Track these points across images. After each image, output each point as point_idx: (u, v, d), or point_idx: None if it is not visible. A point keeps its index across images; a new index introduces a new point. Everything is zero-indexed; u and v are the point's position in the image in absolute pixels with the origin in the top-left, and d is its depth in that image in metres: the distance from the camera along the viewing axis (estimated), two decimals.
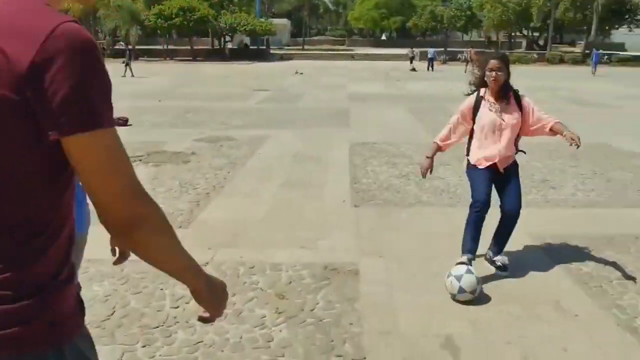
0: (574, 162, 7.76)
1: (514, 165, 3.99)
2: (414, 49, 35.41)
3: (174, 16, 42.15)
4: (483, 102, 3.90)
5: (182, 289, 3.68)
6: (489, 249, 4.07)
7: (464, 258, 3.77)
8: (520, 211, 3.91)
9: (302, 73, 27.99)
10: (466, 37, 66.03)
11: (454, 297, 3.54)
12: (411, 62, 33.56)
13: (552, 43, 50.60)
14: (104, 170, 0.98)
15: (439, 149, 4.16)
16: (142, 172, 6.95)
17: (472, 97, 3.97)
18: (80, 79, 0.92)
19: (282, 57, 45.90)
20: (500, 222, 3.99)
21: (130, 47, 33.76)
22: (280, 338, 3.08)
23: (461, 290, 3.48)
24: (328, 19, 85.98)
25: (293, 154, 8.22)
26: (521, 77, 29.02)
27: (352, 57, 47.49)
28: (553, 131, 3.78)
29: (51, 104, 0.91)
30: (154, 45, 50.03)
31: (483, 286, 3.64)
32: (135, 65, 31.27)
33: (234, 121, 11.63)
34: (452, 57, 41.86)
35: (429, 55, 34.11)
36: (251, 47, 49.17)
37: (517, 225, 3.98)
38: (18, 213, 0.99)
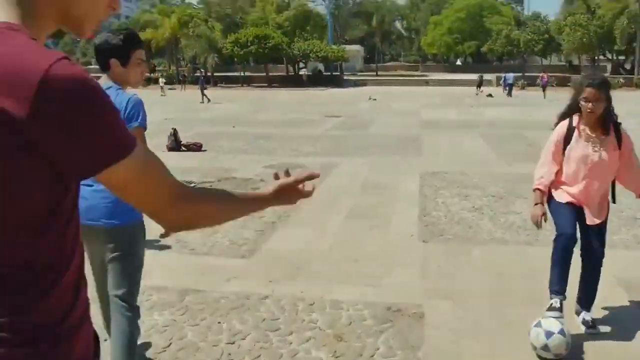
0: None
1: (605, 220, 3.46)
2: (482, 75, 35.00)
3: (249, 44, 43.57)
4: (576, 132, 3.36)
5: (240, 324, 3.59)
6: (576, 301, 3.61)
7: (555, 301, 3.30)
8: (604, 251, 3.47)
9: (375, 99, 27.93)
10: (545, 62, 63.81)
11: (534, 349, 3.18)
12: (479, 87, 32.87)
13: None
14: (145, 188, 1.01)
15: (544, 194, 3.49)
16: None
17: (564, 125, 3.42)
18: (91, 116, 0.86)
19: (356, 83, 46.17)
20: (582, 269, 3.52)
21: (204, 74, 35.06)
22: None
23: (546, 348, 3.10)
24: (401, 45, 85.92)
25: (361, 182, 8.07)
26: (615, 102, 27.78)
27: (426, 82, 46.99)
28: None
29: (72, 149, 0.86)
30: (231, 72, 51.86)
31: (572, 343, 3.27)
32: (213, 91, 32.49)
33: (305, 148, 11.65)
34: (531, 83, 40.44)
35: (509, 81, 33.05)
36: (325, 74, 49.83)
37: (603, 271, 3.59)
38: (14, 257, 0.89)
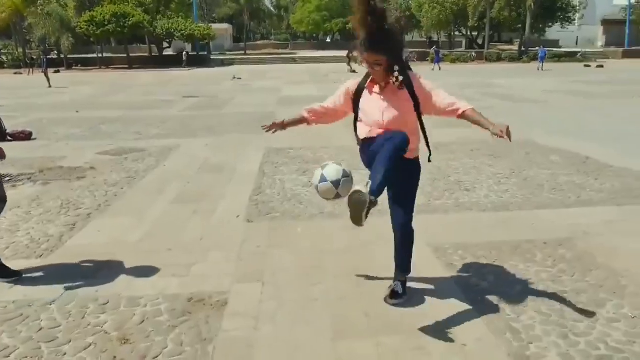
0: (493, 160, 7.49)
1: (415, 165, 3.26)
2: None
3: (106, 23, 40.61)
4: (366, 89, 3.20)
5: (9, 338, 3.07)
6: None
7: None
8: (413, 225, 3.35)
9: (240, 78, 27.35)
10: (408, 38, 66.66)
11: (316, 188, 3.18)
12: (349, 64, 33.48)
13: (490, 41, 51.77)
14: None
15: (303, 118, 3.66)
16: (24, 193, 6.24)
17: (352, 82, 3.27)
18: None
19: (224, 63, 45.00)
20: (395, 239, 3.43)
21: (47, 56, 32.13)
22: None
23: (323, 178, 3.10)
24: (271, 24, 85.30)
25: (200, 164, 7.63)
26: (458, 75, 29.59)
27: (295, 60, 47.08)
28: (470, 120, 3.06)
29: None
30: (90, 53, 48.21)
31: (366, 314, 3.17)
32: (68, 74, 29.93)
33: (151, 131, 10.92)
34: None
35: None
36: (191, 54, 47.99)
37: (418, 234, 3.52)
38: None
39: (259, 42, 75.10)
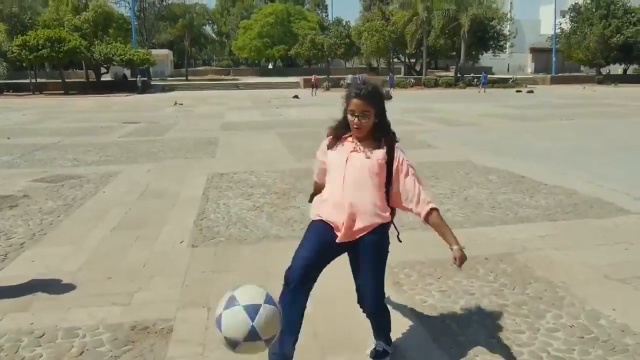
0: (434, 181, 7.69)
1: (378, 236, 2.67)
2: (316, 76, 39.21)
3: (40, 47, 39.30)
4: (343, 139, 2.76)
5: None
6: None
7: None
8: (382, 307, 2.85)
9: (181, 104, 27.04)
10: (349, 65, 68.09)
11: (218, 325, 2.13)
12: (314, 87, 35.92)
13: (428, 68, 53.51)
14: None
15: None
16: None
17: (325, 142, 2.82)
18: None
19: (164, 89, 44.36)
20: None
21: None
22: None
23: (231, 303, 2.12)
24: (213, 49, 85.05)
25: (141, 191, 7.43)
26: (398, 100, 30.33)
27: (237, 86, 47.06)
28: (435, 226, 2.68)
29: None
30: (23, 79, 46.41)
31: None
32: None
33: (89, 157, 10.57)
34: (335, 84, 42.76)
35: (312, 81, 36.10)
36: (130, 79, 47.08)
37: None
38: None
39: (200, 68, 74.64)
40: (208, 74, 65.33)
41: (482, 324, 3.39)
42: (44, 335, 3.33)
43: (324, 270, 2.75)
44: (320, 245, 2.66)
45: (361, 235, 2.64)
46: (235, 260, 4.62)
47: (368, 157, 2.64)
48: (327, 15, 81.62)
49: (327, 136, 2.81)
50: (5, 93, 41.18)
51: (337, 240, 2.65)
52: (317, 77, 40.88)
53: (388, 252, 2.78)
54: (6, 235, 5.48)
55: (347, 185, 2.62)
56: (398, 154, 2.69)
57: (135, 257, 4.73)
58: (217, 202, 6.65)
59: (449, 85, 45.37)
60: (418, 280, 4.13)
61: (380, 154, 2.65)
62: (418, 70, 55.70)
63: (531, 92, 37.36)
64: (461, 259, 2.58)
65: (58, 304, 3.77)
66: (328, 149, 2.78)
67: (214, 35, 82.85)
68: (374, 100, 2.62)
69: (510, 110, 21.71)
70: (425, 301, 3.76)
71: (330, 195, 2.70)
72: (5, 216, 6.24)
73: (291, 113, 21.13)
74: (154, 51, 53.48)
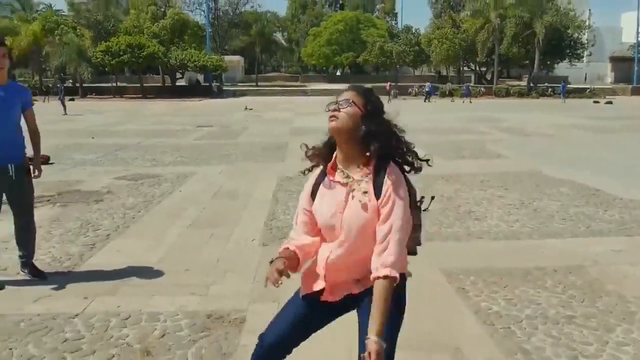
0: (503, 192, 7.60)
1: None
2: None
3: (122, 53, 41.53)
4: (326, 178, 2.10)
5: (35, 348, 3.19)
6: None
7: None
8: None
9: (251, 109, 27.76)
10: (417, 72, 67.53)
11: None
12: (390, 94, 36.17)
13: (499, 77, 52.29)
14: None
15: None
16: (45, 214, 6.39)
17: (313, 175, 2.20)
18: None
19: (235, 94, 45.71)
20: None
21: (64, 84, 32.85)
22: None
23: None
24: (282, 56, 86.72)
25: (215, 191, 7.79)
26: (467, 109, 29.72)
27: (305, 92, 47.75)
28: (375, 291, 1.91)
29: None
30: (105, 82, 49.16)
31: None
32: (83, 102, 30.51)
33: (166, 158, 11.14)
34: (403, 92, 42.60)
35: (387, 88, 38.01)
36: (203, 84, 48.82)
37: (428, 261, 3.64)
38: None
39: (270, 74, 76.24)
40: (277, 80, 66.63)
41: (548, 333, 3.39)
42: (129, 317, 3.62)
43: None
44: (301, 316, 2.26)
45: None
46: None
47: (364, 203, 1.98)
48: (396, 23, 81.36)
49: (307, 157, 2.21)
50: (88, 96, 43.74)
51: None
52: (392, 83, 41.04)
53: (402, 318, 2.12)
54: (93, 226, 5.93)
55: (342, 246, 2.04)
56: (388, 182, 1.98)
57: (210, 252, 5.01)
58: (287, 204, 6.88)
59: (521, 94, 44.13)
60: (484, 287, 4.15)
61: (372, 195, 1.98)
62: (489, 79, 54.50)
63: (610, 103, 35.75)
64: (377, 356, 1.79)
65: (142, 291, 4.08)
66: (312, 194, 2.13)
67: (283, 42, 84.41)
68: (366, 98, 2.04)
69: (585, 121, 20.90)
70: (491, 308, 3.78)
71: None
72: (92, 209, 6.73)
73: None
74: (226, 57, 55.16)
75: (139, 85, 45.67)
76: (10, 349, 3.22)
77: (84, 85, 44.70)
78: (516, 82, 55.91)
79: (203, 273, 4.45)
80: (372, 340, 1.81)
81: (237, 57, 65.48)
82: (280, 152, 11.81)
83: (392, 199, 1.96)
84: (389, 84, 40.39)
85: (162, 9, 52.74)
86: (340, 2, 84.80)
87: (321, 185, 2.11)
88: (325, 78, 69.64)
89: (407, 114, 24.54)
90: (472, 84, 53.04)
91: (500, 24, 46.48)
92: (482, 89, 45.89)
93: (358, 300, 2.09)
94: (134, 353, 3.15)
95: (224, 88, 48.45)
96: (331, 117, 2.00)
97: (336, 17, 68.17)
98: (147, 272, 4.46)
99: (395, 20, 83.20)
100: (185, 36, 51.93)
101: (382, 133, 2.01)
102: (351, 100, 2.01)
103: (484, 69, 57.17)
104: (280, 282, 1.95)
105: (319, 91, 47.93)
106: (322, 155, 2.14)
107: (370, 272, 1.95)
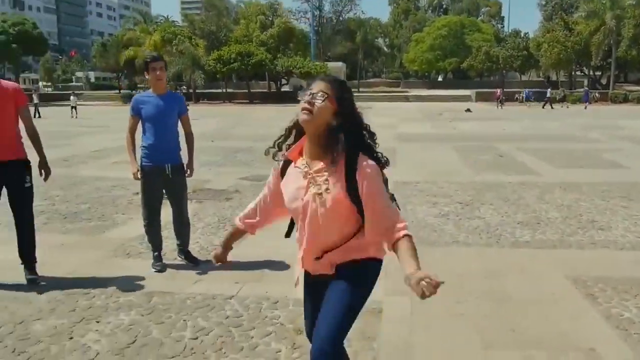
0: (627, 202, 7.38)
1: (354, 266, 2.16)
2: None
3: (232, 61, 43.87)
4: (292, 165, 2.20)
5: (204, 321, 3.73)
6: None
7: None
8: (333, 349, 2.07)
9: None
10: (524, 77, 65.00)
11: None
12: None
13: (616, 82, 49.09)
14: None
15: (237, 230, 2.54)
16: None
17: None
18: None
19: None
20: None
21: (187, 90, 35.28)
22: None
23: None
24: (383, 62, 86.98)
25: None
26: (579, 116, 28.35)
27: (407, 98, 47.69)
28: (400, 252, 2.01)
29: None
30: (214, 89, 52.12)
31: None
32: (197, 107, 32.58)
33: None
34: (509, 98, 41.30)
35: (498, 94, 38.06)
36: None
37: (553, 268, 3.79)
38: None
39: (371, 80, 76.81)
40: (379, 86, 66.98)
41: None
42: (278, 302, 4.09)
43: (506, 280, 3.04)
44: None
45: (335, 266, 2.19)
46: (428, 260, 5.02)
47: (322, 194, 2.07)
48: (502, 27, 78.90)
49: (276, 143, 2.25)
50: (201, 101, 46.56)
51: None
52: (502, 90, 40.04)
53: (370, 288, 2.25)
54: (229, 221, 6.55)
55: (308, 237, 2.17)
56: (361, 164, 2.04)
57: None
58: (404, 207, 7.16)
59: None
60: (613, 295, 4.19)
61: (341, 181, 2.05)
62: (604, 83, 51.34)
63: None
64: (431, 285, 1.78)
65: (284, 279, 4.54)
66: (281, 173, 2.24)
67: (385, 48, 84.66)
68: (340, 90, 2.06)
69: None
70: (622, 315, 3.84)
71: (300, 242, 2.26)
72: (225, 206, 7.40)
73: (465, 126, 21.07)
74: (329, 64, 56.37)
75: (246, 91, 47.99)
76: (184, 320, 3.78)
77: (196, 91, 47.66)
78: (635, 87, 52.17)
79: None
80: (421, 271, 1.85)
81: (340, 64, 66.59)
82: (389, 157, 12.00)
83: (375, 182, 2.05)
84: (499, 90, 39.28)
85: (270, 18, 54.96)
86: (444, 6, 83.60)
87: (288, 167, 2.21)
88: (426, 84, 69.02)
89: (515, 121, 23.92)
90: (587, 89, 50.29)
91: (617, 25, 43.70)
92: (597, 95, 43.36)
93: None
94: (288, 331, 3.59)
95: None
96: (304, 109, 2.01)
97: (440, 22, 67.42)
98: (285, 264, 4.94)
99: (502, 24, 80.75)
100: (291, 44, 53.79)
101: (355, 127, 2.10)
102: (325, 94, 2.02)
103: (598, 73, 53.98)
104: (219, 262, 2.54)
105: (421, 97, 47.68)
106: (287, 140, 2.21)
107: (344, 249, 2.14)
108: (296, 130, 2.19)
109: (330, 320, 2.07)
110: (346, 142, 2.05)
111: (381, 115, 28.53)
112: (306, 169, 2.11)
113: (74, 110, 30.23)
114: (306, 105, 2.01)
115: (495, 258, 5.08)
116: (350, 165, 2.04)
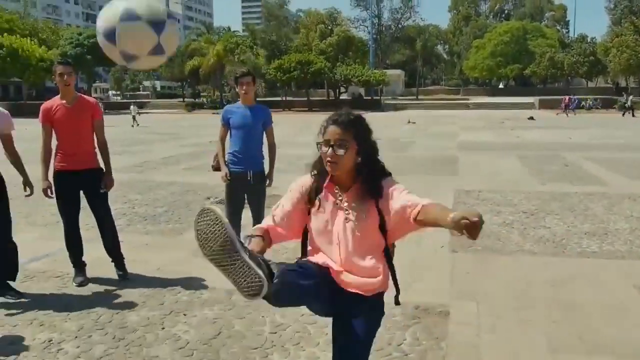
0: None
1: (373, 304, 2.29)
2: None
3: (292, 69, 44.71)
4: (325, 191, 2.27)
5: (281, 318, 4.01)
6: None
7: None
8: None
9: (414, 122, 28.24)
10: (591, 84, 62.73)
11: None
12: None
13: None
14: None
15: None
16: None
17: (308, 180, 2.34)
18: None
19: (396, 107, 46.61)
20: None
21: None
22: None
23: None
24: (442, 69, 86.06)
25: None
26: None
27: (467, 106, 47.04)
28: (424, 221, 2.11)
29: None
30: (273, 97, 53.20)
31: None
32: None
33: None
34: (576, 105, 40.07)
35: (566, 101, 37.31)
36: (365, 98, 50.48)
37: (623, 277, 3.85)
38: None
39: (430, 88, 76.23)
40: (438, 94, 66.35)
41: None
42: None
43: (574, 286, 3.14)
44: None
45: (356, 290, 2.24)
46: (495, 268, 5.17)
47: (356, 220, 2.21)
48: (568, 32, 76.44)
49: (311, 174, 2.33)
50: None
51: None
52: (571, 97, 38.91)
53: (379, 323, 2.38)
54: None
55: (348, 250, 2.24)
56: (388, 188, 2.22)
57: (404, 255, 5.54)
58: None
59: None
60: None
61: (371, 211, 2.20)
62: None
63: None
64: (473, 219, 1.82)
65: None
66: (309, 199, 2.29)
67: (445, 55, 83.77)
68: (356, 130, 2.19)
69: None
70: None
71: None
72: None
73: (528, 135, 20.69)
74: (388, 71, 56.42)
75: (305, 99, 48.71)
76: (263, 316, 4.08)
77: (257, 99, 48.75)
78: None
79: (403, 272, 5.02)
80: (456, 213, 1.88)
81: (398, 71, 66.56)
82: (452, 166, 12.14)
83: (400, 191, 2.20)
84: (567, 98, 38.13)
85: (330, 27, 55.63)
86: (506, 12, 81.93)
87: (318, 198, 2.26)
88: (487, 91, 67.79)
89: (582, 129, 23.22)
90: None
91: None
92: None
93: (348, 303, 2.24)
94: None
95: (385, 102, 49.59)
96: (329, 163, 2.15)
97: (501, 27, 66.16)
98: None
99: (567, 28, 78.24)
100: (350, 52, 54.23)
101: (373, 156, 2.26)
102: (345, 141, 2.14)
103: None
104: None
105: (482, 104, 46.91)
106: (319, 177, 2.28)
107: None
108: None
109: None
110: (366, 171, 2.21)
111: (441, 123, 28.39)
112: (340, 198, 2.24)
113: (134, 119, 31.49)
114: (330, 160, 2.14)
115: (562, 267, 5.12)
116: (377, 192, 2.20)
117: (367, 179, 2.20)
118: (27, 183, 4.58)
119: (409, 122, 28.52)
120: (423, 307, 4.19)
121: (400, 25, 73.86)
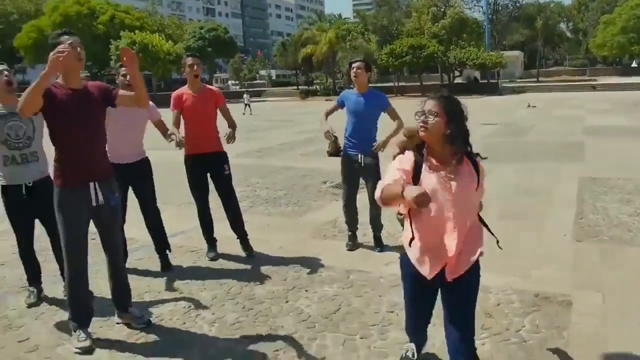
0: None
1: (475, 272, 2.77)
2: None
3: (404, 54, 44.16)
4: (425, 165, 2.54)
5: (398, 298, 4.14)
6: None
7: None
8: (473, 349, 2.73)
9: (534, 106, 26.83)
10: None
11: None
12: None
13: None
14: None
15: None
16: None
17: (410, 156, 2.58)
18: None
19: (514, 90, 44.46)
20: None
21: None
22: (482, 350, 3.30)
23: None
24: (566, 48, 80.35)
25: (514, 187, 8.16)
26: None
27: (594, 87, 43.70)
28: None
29: None
30: (385, 82, 52.89)
31: None
32: None
33: None
34: None
35: None
36: (481, 81, 48.65)
37: None
38: None
39: (552, 69, 71.56)
40: (561, 75, 62.23)
41: None
42: None
43: None
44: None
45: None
46: (622, 259, 4.90)
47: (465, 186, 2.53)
48: None
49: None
50: None
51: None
52: None
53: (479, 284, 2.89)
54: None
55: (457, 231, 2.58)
56: (481, 169, 2.62)
57: (525, 241, 5.47)
58: (594, 204, 6.88)
59: None
60: None
61: (470, 177, 2.55)
62: None
63: None
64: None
65: None
66: (414, 175, 2.51)
67: (568, 34, 78.20)
68: (446, 103, 2.52)
69: None
70: None
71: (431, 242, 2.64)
72: None
73: None
74: (505, 53, 53.86)
75: (418, 84, 47.91)
76: (380, 296, 4.23)
77: (369, 85, 48.78)
78: None
79: (523, 259, 4.95)
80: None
81: (517, 52, 63.31)
82: (576, 151, 11.46)
83: (483, 181, 2.60)
84: None
85: (442, 9, 54.12)
86: None
87: (422, 170, 2.52)
88: (617, 70, 62.43)
89: None
90: None
91: None
92: None
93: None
94: (477, 313, 3.82)
95: (503, 85, 47.48)
96: (421, 127, 2.50)
97: (634, 0, 60.24)
98: None
99: None
100: (464, 34, 52.43)
101: (463, 134, 2.52)
102: (435, 112, 2.48)
103: None
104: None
105: (610, 85, 43.37)
106: (413, 147, 2.60)
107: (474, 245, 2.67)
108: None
109: (469, 322, 2.76)
110: (457, 147, 2.50)
111: (564, 106, 26.70)
112: (442, 171, 2.52)
113: (247, 107, 32.68)
114: (421, 124, 2.50)
115: None
116: (474, 163, 2.58)
117: (462, 148, 2.51)
118: (173, 133, 4.72)
119: (528, 105, 27.12)
120: (543, 296, 4.11)
121: (518, 4, 69.99)
